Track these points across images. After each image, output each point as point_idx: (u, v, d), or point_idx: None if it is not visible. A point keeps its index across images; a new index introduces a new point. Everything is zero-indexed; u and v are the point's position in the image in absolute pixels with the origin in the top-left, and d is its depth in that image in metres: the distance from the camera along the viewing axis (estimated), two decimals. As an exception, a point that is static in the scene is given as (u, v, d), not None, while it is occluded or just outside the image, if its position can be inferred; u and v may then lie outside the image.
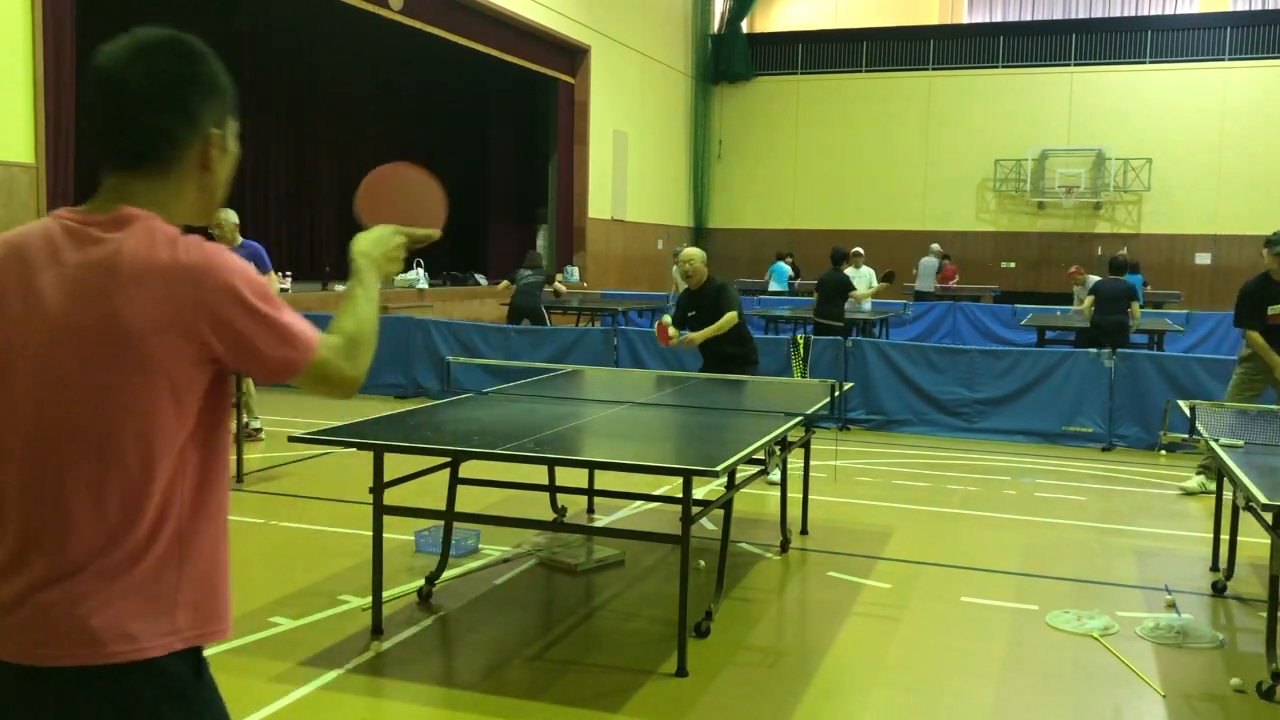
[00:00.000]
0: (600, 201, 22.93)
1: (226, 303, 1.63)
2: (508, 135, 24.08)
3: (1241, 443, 5.16)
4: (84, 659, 1.57)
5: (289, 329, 1.71)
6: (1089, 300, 12.06)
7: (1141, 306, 17.08)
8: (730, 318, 7.36)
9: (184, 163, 1.72)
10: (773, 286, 20.43)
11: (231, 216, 8.90)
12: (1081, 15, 27.01)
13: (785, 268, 20.76)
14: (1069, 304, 18.13)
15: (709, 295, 7.52)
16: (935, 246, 21.58)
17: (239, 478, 7.35)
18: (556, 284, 14.66)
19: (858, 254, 16.19)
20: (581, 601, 5.18)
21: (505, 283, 14.12)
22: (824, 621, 4.96)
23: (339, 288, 16.87)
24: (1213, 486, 7.66)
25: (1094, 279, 16.54)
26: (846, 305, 14.88)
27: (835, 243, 16.69)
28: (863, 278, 15.89)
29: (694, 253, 7.65)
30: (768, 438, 4.88)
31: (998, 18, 27.84)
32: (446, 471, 5.26)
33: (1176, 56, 25.08)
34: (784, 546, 6.04)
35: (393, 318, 12.57)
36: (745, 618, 4.97)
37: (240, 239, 8.78)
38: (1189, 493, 7.78)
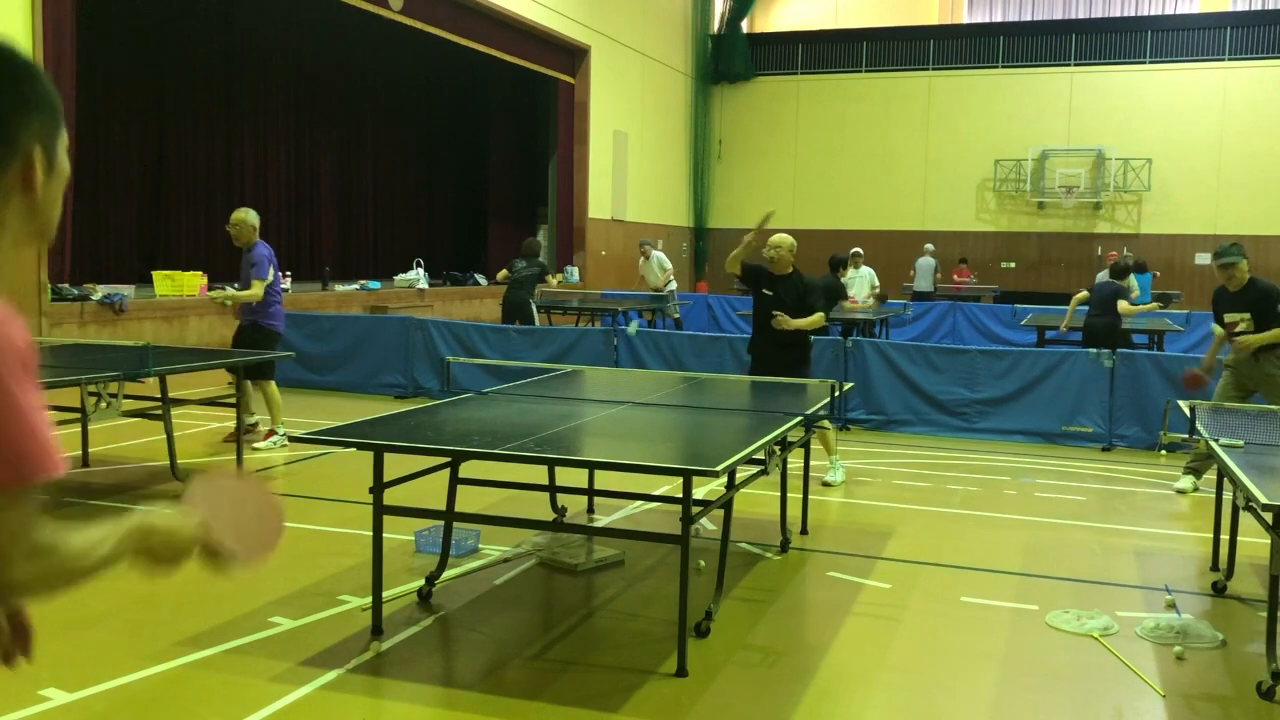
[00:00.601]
0: (600, 201, 22.94)
1: None
2: (508, 135, 24.09)
3: (1241, 443, 5.15)
4: None
5: (34, 435, 1.39)
6: (1078, 297, 12.04)
7: (1146, 304, 17.17)
8: (818, 318, 7.44)
9: (2, 185, 1.53)
10: None
11: (251, 218, 8.74)
12: (1081, 15, 27.02)
13: None
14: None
15: (793, 289, 7.49)
16: (929, 247, 21.63)
17: (239, 478, 7.33)
18: (548, 279, 14.01)
19: (857, 254, 16.18)
20: (581, 601, 5.18)
21: (504, 272, 13.76)
22: (824, 621, 4.96)
23: (339, 288, 16.88)
24: (1203, 485, 7.71)
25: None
26: (846, 305, 14.96)
27: (835, 242, 16.69)
28: (863, 278, 15.91)
29: (783, 239, 7.57)
30: (768, 438, 4.88)
31: (998, 18, 27.85)
32: (446, 471, 5.26)
33: (1176, 56, 25.09)
34: (784, 546, 6.03)
35: (393, 318, 12.57)
36: (745, 618, 4.96)
37: (256, 240, 8.71)
38: (1181, 492, 7.79)
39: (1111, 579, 5.73)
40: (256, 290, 8.56)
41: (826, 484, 7.69)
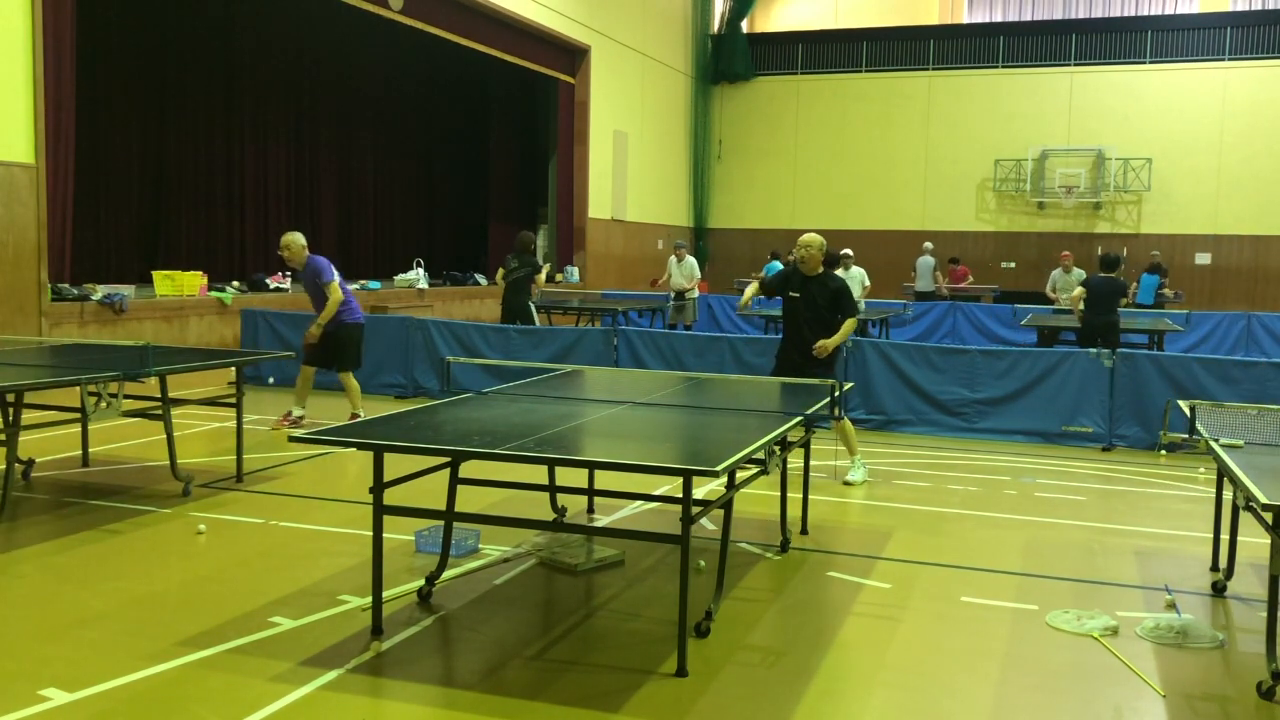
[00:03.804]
0: (600, 201, 22.95)
1: None
2: (508, 135, 24.09)
3: (1241, 443, 5.15)
4: None
5: None
6: (1078, 293, 11.96)
7: (1151, 306, 17.05)
8: (851, 325, 7.40)
9: None
10: None
11: (300, 238, 9.43)
12: (1081, 15, 27.03)
13: (779, 267, 20.81)
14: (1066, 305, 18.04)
15: (824, 290, 7.41)
16: (929, 245, 21.58)
17: (239, 477, 7.35)
18: (538, 277, 13.49)
19: (847, 256, 16.03)
20: (581, 601, 5.18)
21: (501, 271, 13.46)
22: (824, 621, 4.96)
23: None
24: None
25: (1078, 271, 16.56)
26: None
27: (835, 242, 16.55)
28: (853, 279, 15.83)
29: (813, 238, 7.47)
30: (768, 438, 4.88)
31: (998, 18, 27.85)
32: (446, 471, 5.26)
33: (1176, 56, 25.10)
34: (784, 546, 6.04)
35: (393, 318, 12.56)
36: (745, 618, 4.97)
37: (307, 255, 9.36)
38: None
39: (1111, 579, 5.73)
40: (337, 293, 9.20)
41: (847, 483, 7.71)
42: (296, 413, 9.42)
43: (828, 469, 8.06)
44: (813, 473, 6.74)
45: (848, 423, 7.82)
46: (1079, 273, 16.69)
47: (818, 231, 7.92)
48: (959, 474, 8.34)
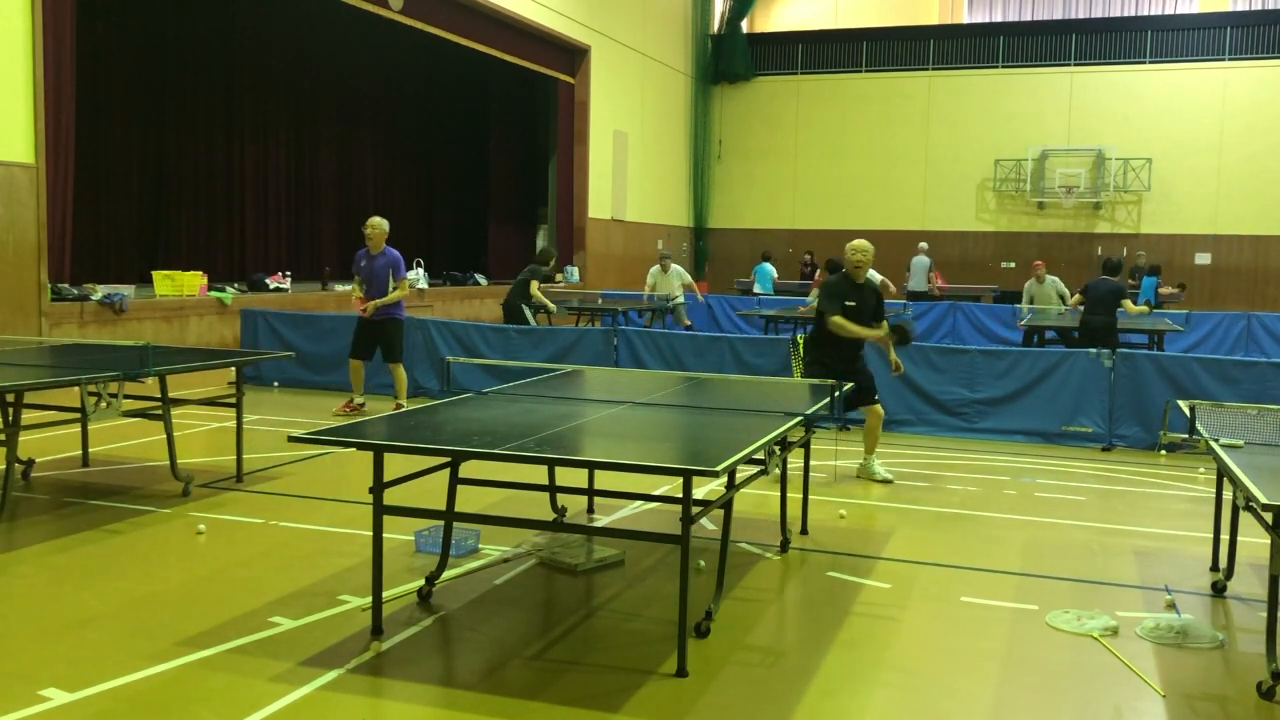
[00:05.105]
0: (600, 201, 22.95)
1: None
2: (508, 135, 24.09)
3: (1241, 443, 5.16)
4: None
5: None
6: (1076, 299, 12.02)
7: (1154, 306, 16.96)
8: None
9: None
10: (757, 288, 20.44)
11: (386, 225, 10.11)
12: (1081, 15, 27.04)
13: (770, 268, 20.82)
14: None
15: (874, 294, 7.84)
16: (923, 245, 21.56)
17: (239, 477, 7.35)
18: (534, 282, 13.67)
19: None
20: (581, 601, 5.18)
21: None
22: (824, 621, 4.96)
23: (338, 287, 16.88)
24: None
25: (1052, 279, 16.38)
26: None
27: (834, 242, 16.52)
28: None
29: (865, 244, 7.68)
30: (768, 438, 4.88)
31: (998, 18, 27.86)
32: (446, 471, 5.26)
33: (1176, 56, 25.10)
34: (784, 546, 6.04)
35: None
36: (745, 618, 4.97)
37: (384, 246, 10.06)
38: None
39: (1111, 579, 5.73)
40: (405, 288, 10.28)
41: (885, 480, 7.84)
42: (358, 400, 10.34)
43: (828, 469, 8.06)
44: (813, 473, 6.74)
45: (880, 415, 8.06)
46: (1052, 279, 16.36)
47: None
48: (959, 474, 8.34)
